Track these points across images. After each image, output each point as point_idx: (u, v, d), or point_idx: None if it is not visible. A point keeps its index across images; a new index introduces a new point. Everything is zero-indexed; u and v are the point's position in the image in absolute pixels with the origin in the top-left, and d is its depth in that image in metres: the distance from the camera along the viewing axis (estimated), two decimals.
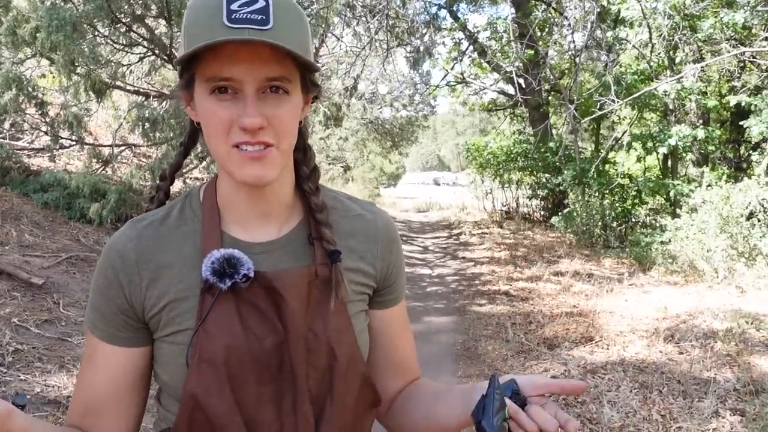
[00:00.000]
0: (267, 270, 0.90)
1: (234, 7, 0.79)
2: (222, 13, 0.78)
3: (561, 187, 11.75)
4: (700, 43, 9.91)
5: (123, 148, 9.26)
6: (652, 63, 9.99)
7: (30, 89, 6.90)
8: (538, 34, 12.48)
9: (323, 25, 7.85)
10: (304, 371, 0.89)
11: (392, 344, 1.09)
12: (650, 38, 9.22)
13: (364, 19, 10.82)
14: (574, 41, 10.85)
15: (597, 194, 10.28)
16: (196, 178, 9.33)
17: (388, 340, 1.08)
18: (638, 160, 12.16)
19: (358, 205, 1.07)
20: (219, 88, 0.82)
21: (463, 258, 9.59)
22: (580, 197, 10.40)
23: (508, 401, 0.83)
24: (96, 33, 7.24)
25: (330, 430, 0.91)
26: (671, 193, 9.58)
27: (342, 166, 25.07)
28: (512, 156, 13.32)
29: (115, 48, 7.93)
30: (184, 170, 8.04)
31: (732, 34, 9.50)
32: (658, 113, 11.52)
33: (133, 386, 0.94)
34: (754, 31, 9.50)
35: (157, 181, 1.07)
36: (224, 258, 0.86)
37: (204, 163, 7.80)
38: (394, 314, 1.09)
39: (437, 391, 1.05)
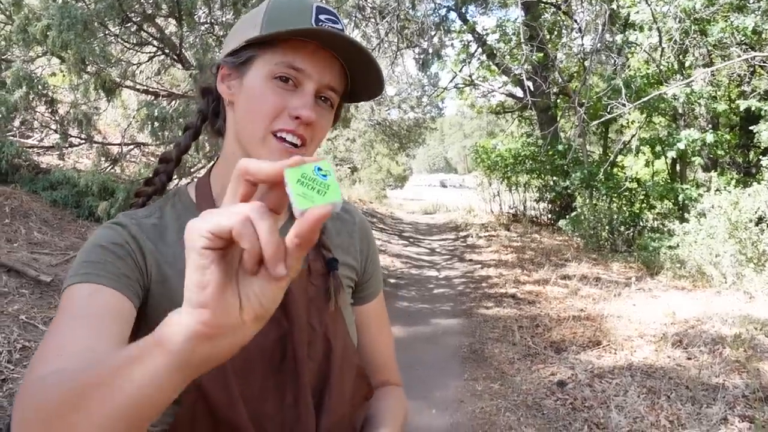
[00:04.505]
0: None
1: (322, 17, 0.87)
2: (311, 17, 0.86)
3: (569, 191, 11.72)
4: (710, 48, 9.89)
5: (132, 146, 9.29)
6: (661, 67, 9.96)
7: (40, 87, 6.92)
8: (548, 36, 12.46)
9: None
10: (305, 363, 0.90)
11: (367, 340, 1.11)
12: (660, 42, 9.20)
13: (373, 20, 10.83)
14: (583, 44, 10.84)
15: (605, 198, 10.26)
16: (202, 176, 9.33)
17: (363, 336, 1.10)
18: (647, 164, 12.14)
19: None
20: (283, 76, 0.85)
21: (470, 260, 9.57)
22: (587, 201, 10.37)
23: None
24: (107, 32, 7.24)
25: (329, 421, 0.92)
26: (680, 198, 9.55)
27: (349, 168, 25.10)
28: (520, 159, 13.31)
29: (125, 47, 7.95)
30: (191, 169, 8.06)
31: (742, 39, 9.48)
32: (667, 117, 11.49)
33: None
34: (764, 35, 9.45)
35: (158, 164, 1.01)
36: None
37: (212, 162, 7.81)
38: (371, 310, 1.12)
39: (370, 415, 1.05)
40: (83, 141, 8.02)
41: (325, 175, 0.54)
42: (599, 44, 9.35)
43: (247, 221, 0.50)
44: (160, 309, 0.85)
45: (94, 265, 0.81)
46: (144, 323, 0.85)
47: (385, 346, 1.15)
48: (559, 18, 12.72)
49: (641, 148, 10.54)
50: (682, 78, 9.52)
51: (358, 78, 0.91)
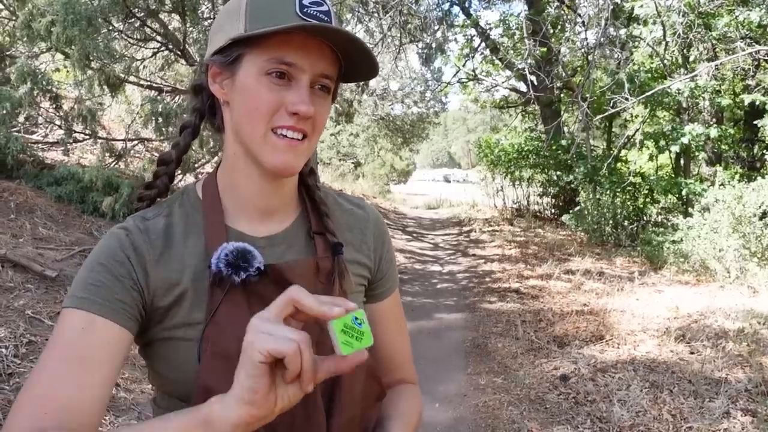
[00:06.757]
0: (271, 263, 0.90)
1: (305, 2, 0.84)
2: (294, 5, 0.83)
3: (572, 185, 11.71)
4: (714, 42, 9.84)
5: (136, 142, 9.30)
6: (665, 61, 9.94)
7: (44, 83, 6.94)
8: (551, 31, 12.43)
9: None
10: None
11: (382, 338, 1.09)
12: (664, 36, 9.18)
13: (376, 15, 10.81)
14: (587, 38, 10.80)
15: (608, 192, 10.25)
16: (209, 173, 9.35)
17: (379, 334, 1.07)
18: (650, 158, 12.11)
19: (348, 200, 1.10)
20: (276, 72, 0.84)
21: (474, 255, 9.58)
22: (591, 195, 10.37)
23: None
24: (110, 28, 7.27)
25: (340, 422, 0.91)
26: (683, 192, 9.54)
27: (353, 162, 25.13)
28: (523, 153, 13.29)
29: (129, 43, 7.97)
30: (195, 165, 8.08)
31: (747, 33, 9.43)
32: (671, 111, 11.45)
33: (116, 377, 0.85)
34: None
35: (157, 166, 1.01)
36: (238, 251, 0.85)
37: (217, 158, 7.82)
38: (386, 307, 1.10)
39: (382, 418, 1.04)
40: (88, 137, 8.05)
41: (360, 323, 0.68)
42: (603, 38, 9.31)
43: (297, 351, 0.65)
44: (168, 298, 0.87)
45: (91, 289, 0.84)
46: (153, 329, 0.89)
47: (401, 344, 1.13)
48: (562, 12, 12.68)
49: (645, 142, 10.51)
50: (686, 72, 9.47)
51: (352, 59, 0.89)
